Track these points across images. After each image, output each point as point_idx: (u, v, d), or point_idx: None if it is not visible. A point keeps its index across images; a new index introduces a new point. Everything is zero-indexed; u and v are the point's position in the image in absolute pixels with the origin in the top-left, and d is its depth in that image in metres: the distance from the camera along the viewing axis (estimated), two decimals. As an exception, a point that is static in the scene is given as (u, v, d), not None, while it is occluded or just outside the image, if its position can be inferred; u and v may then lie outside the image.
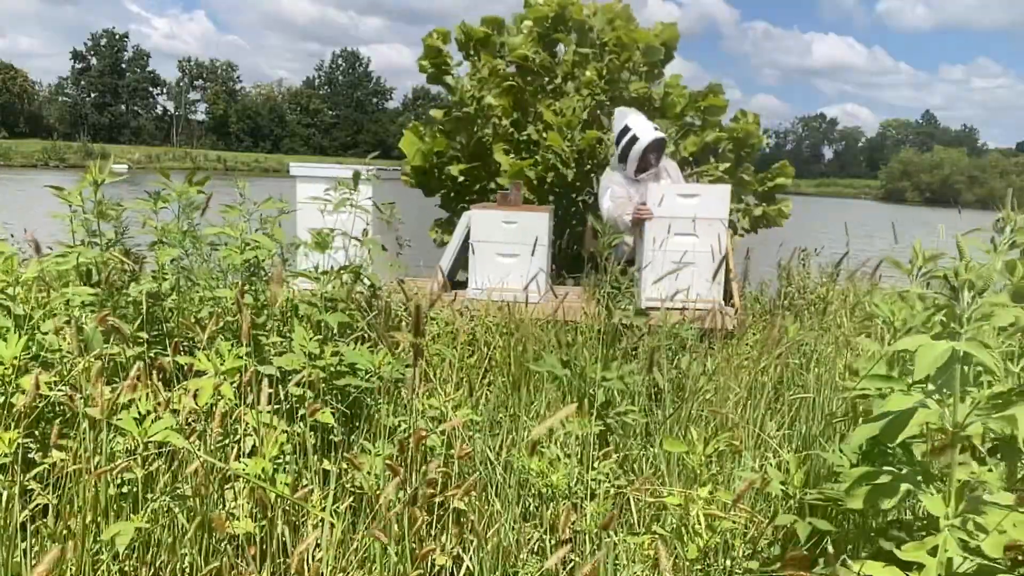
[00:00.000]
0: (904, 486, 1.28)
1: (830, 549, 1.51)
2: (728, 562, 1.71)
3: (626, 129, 4.58)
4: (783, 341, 2.82)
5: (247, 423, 1.83)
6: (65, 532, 1.60)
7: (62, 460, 1.66)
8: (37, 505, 1.72)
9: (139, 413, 1.64)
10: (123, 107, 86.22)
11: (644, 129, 4.54)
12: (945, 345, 1.14)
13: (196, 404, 1.74)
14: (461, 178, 5.97)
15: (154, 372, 1.93)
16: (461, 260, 4.60)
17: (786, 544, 1.76)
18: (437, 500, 1.78)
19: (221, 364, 1.89)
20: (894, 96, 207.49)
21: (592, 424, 1.98)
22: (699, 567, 1.68)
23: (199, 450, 1.66)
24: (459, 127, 6.00)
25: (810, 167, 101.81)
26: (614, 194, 4.61)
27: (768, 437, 2.27)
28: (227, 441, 1.87)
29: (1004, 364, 1.39)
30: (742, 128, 5.95)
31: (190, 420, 1.80)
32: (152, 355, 2.08)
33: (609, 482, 1.94)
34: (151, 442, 1.61)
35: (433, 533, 1.80)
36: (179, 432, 1.64)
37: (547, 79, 5.91)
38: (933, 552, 1.19)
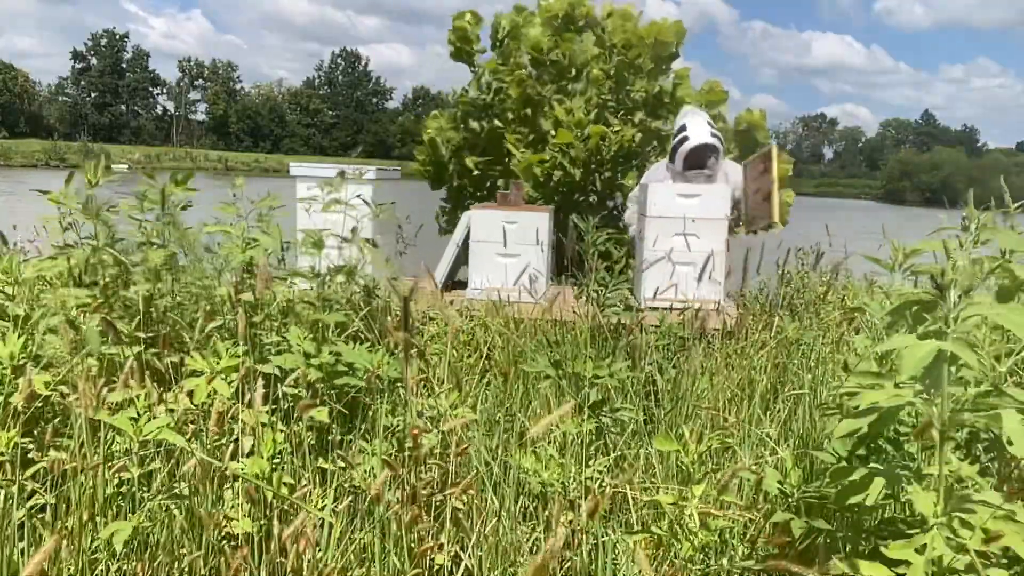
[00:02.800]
0: (878, 481, 1.28)
1: (829, 549, 1.52)
2: (726, 561, 1.71)
3: (682, 128, 4.57)
4: (780, 340, 2.82)
5: (244, 423, 1.83)
6: (63, 531, 1.60)
7: (60, 459, 1.66)
8: (35, 505, 1.72)
9: (137, 412, 1.65)
10: (123, 107, 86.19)
11: (698, 132, 4.51)
12: (931, 345, 1.15)
13: (191, 403, 1.74)
14: (476, 171, 6.00)
15: (148, 372, 1.93)
16: (461, 260, 4.60)
17: (784, 544, 1.76)
18: (436, 499, 1.78)
19: (217, 363, 1.89)
20: (893, 96, 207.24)
21: (584, 423, 1.98)
22: (698, 567, 1.69)
23: (196, 449, 1.66)
24: (475, 114, 6.03)
25: (810, 167, 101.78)
26: (638, 197, 4.65)
27: (765, 435, 2.27)
28: (223, 440, 1.87)
29: (991, 363, 1.39)
30: (746, 120, 5.95)
31: (188, 420, 1.80)
32: (149, 355, 2.08)
33: (603, 481, 1.94)
34: (146, 441, 1.61)
35: (432, 531, 1.80)
36: (175, 432, 1.64)
37: (558, 76, 5.93)
38: (920, 550, 1.20)
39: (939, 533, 1.19)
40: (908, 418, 1.49)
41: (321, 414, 1.87)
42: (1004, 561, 1.22)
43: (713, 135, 4.54)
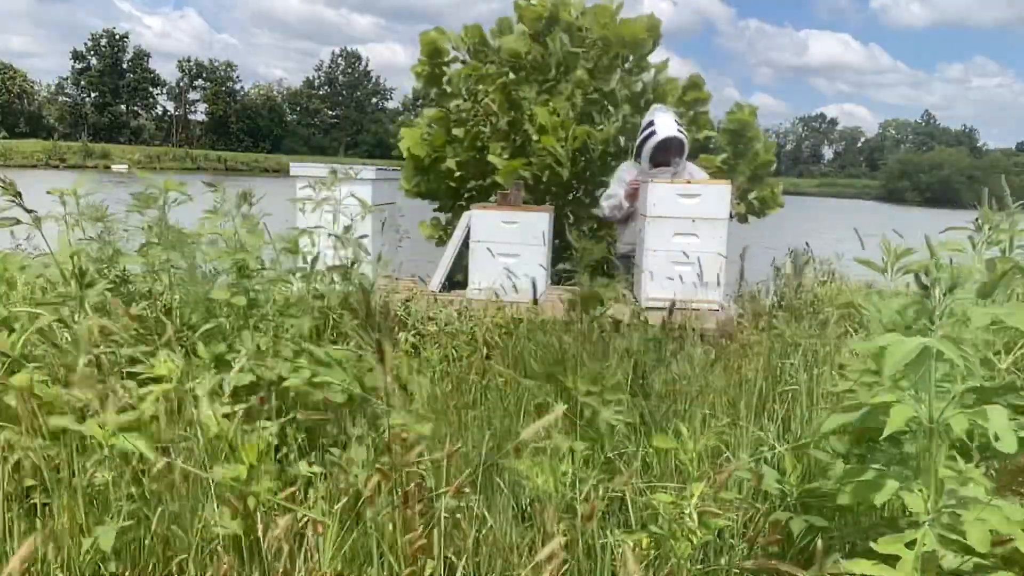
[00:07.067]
0: (891, 482, 1.28)
1: (825, 547, 1.50)
2: (724, 560, 1.69)
3: (649, 124, 4.58)
4: (778, 340, 2.81)
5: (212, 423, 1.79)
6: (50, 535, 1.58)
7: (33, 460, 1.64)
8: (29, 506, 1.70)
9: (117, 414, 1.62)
10: (123, 107, 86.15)
11: (664, 126, 4.52)
12: (916, 342, 1.14)
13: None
14: (458, 173, 5.94)
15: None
16: (461, 260, 4.59)
17: (785, 543, 1.74)
18: (430, 502, 1.76)
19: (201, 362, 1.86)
20: (892, 95, 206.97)
21: (576, 436, 1.96)
22: (698, 567, 1.67)
23: (178, 459, 1.64)
24: (455, 123, 5.99)
25: (810, 167, 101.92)
26: (613, 193, 4.64)
27: (764, 435, 2.26)
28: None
29: (985, 359, 1.39)
30: (737, 119, 5.91)
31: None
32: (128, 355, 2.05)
33: (598, 483, 1.92)
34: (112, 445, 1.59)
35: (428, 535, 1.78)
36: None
37: (540, 77, 5.90)
38: (910, 546, 1.19)
39: (930, 529, 1.19)
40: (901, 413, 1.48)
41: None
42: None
43: (679, 131, 4.55)
